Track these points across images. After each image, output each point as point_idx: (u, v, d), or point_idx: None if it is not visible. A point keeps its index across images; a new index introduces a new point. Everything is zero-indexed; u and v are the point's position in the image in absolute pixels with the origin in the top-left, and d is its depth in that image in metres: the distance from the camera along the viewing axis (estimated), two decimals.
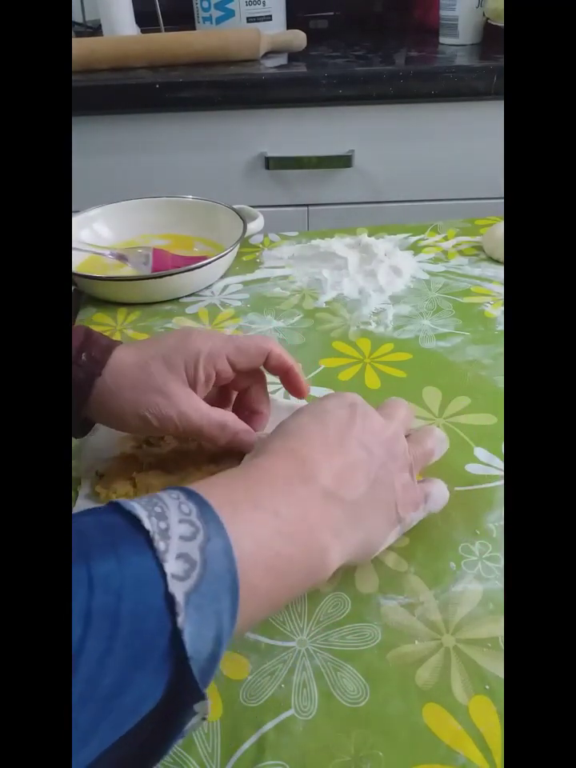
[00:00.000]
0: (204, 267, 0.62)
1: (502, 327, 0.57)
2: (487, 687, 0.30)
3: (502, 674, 0.31)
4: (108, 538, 0.23)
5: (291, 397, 0.49)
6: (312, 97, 1.00)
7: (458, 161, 1.06)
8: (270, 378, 0.51)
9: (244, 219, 0.69)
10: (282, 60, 1.11)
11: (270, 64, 1.08)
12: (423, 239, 0.74)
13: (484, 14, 1.08)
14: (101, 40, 1.11)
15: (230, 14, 1.15)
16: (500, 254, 0.68)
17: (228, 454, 0.42)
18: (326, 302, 0.62)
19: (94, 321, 0.61)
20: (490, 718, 0.29)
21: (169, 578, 0.23)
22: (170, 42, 1.07)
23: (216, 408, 0.40)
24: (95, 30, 1.29)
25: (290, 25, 1.21)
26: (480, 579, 0.35)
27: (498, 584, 0.35)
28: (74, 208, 0.61)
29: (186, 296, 0.64)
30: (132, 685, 0.22)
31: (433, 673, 0.31)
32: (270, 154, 1.04)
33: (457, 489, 0.40)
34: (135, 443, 0.44)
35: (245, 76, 1.01)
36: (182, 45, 1.07)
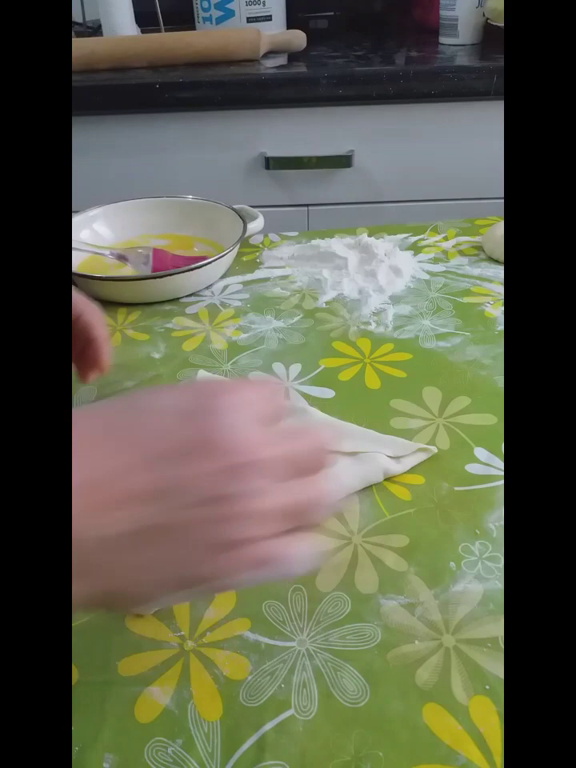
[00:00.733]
0: (204, 267, 0.62)
1: (501, 327, 0.57)
2: (487, 687, 0.30)
3: (501, 674, 0.31)
4: None
5: (291, 397, 0.49)
6: (312, 97, 1.00)
7: (458, 161, 1.06)
8: (271, 378, 0.51)
9: (244, 219, 0.69)
10: (282, 60, 1.11)
11: (270, 64, 1.08)
12: (423, 239, 0.74)
13: (484, 14, 1.08)
14: (101, 40, 1.10)
15: (230, 14, 1.15)
16: (500, 254, 0.68)
17: None
18: (325, 302, 0.62)
19: None
20: (490, 718, 0.29)
21: None
22: (169, 41, 1.07)
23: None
24: (95, 30, 1.29)
25: (290, 25, 1.21)
26: (480, 579, 0.35)
27: (498, 584, 0.35)
28: (74, 208, 0.61)
29: (186, 296, 0.64)
30: None
31: (433, 673, 0.31)
32: (269, 154, 1.04)
33: (457, 489, 0.40)
34: None
35: (245, 76, 1.01)
36: (182, 45, 1.07)
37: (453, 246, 0.72)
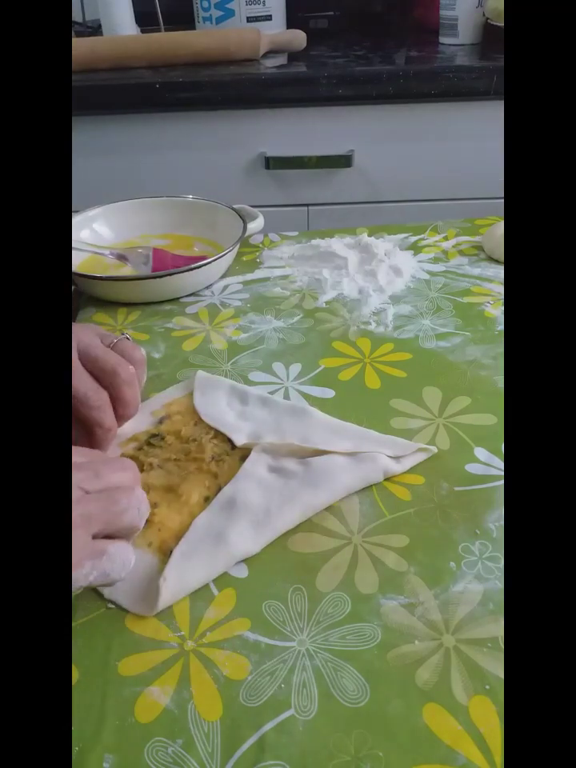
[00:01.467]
0: (204, 267, 0.62)
1: (501, 327, 0.57)
2: (487, 687, 0.30)
3: (501, 674, 0.31)
4: None
5: (291, 397, 0.49)
6: (312, 97, 1.00)
7: (457, 161, 1.06)
8: (271, 378, 0.51)
9: (244, 219, 0.69)
10: (282, 60, 1.11)
11: (270, 64, 1.08)
12: (423, 239, 0.74)
13: (484, 14, 1.08)
14: (101, 40, 1.10)
15: (230, 13, 1.15)
16: (500, 253, 0.68)
17: (229, 453, 0.42)
18: (325, 302, 0.62)
19: (94, 321, 0.61)
20: (490, 718, 0.29)
21: None
22: (169, 41, 1.07)
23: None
24: (95, 29, 1.29)
25: (290, 25, 1.21)
26: (480, 579, 0.35)
27: (498, 584, 0.35)
28: (74, 208, 0.60)
29: (186, 296, 0.64)
30: None
31: (433, 673, 0.31)
32: (269, 154, 1.04)
33: (457, 489, 0.40)
34: (137, 444, 0.44)
35: (245, 76, 1.01)
36: (182, 45, 1.07)
37: (453, 246, 0.72)
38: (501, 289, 0.63)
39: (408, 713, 0.30)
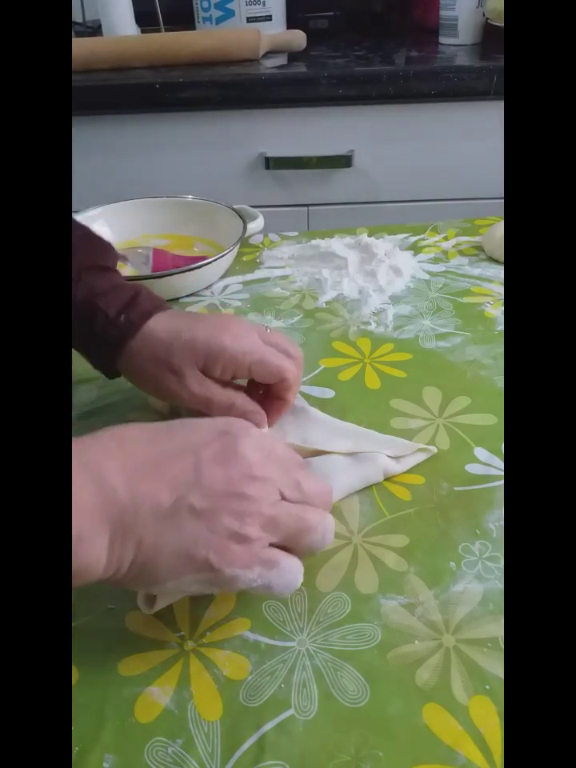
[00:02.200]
0: (204, 267, 0.62)
1: (501, 327, 0.57)
2: (487, 687, 0.30)
3: (501, 674, 0.31)
4: None
5: (299, 395, 0.49)
6: (312, 97, 1.00)
7: (457, 161, 1.06)
8: None
9: (244, 219, 0.69)
10: (282, 60, 1.11)
11: (270, 64, 1.08)
12: (423, 239, 0.74)
13: (484, 14, 1.08)
14: (101, 40, 1.11)
15: (230, 13, 1.15)
16: (500, 254, 0.68)
17: None
18: (325, 302, 0.62)
19: None
20: (490, 718, 0.29)
21: None
22: (170, 41, 1.07)
23: (226, 390, 0.41)
24: (95, 30, 1.29)
25: (290, 25, 1.21)
26: (480, 579, 0.35)
27: (498, 584, 0.35)
28: (74, 208, 0.60)
29: (186, 296, 0.64)
30: None
31: (433, 673, 0.31)
32: (269, 154, 1.04)
33: (457, 489, 0.40)
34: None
35: (245, 76, 1.01)
36: (182, 45, 1.07)
37: (453, 246, 0.72)
38: (501, 289, 0.63)
39: (408, 713, 0.30)
